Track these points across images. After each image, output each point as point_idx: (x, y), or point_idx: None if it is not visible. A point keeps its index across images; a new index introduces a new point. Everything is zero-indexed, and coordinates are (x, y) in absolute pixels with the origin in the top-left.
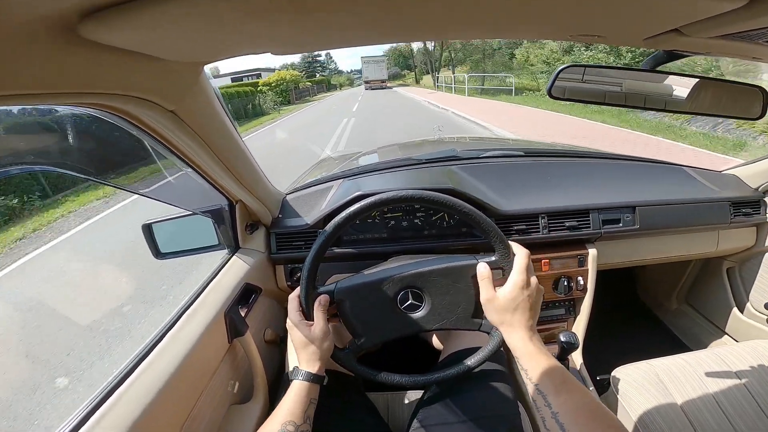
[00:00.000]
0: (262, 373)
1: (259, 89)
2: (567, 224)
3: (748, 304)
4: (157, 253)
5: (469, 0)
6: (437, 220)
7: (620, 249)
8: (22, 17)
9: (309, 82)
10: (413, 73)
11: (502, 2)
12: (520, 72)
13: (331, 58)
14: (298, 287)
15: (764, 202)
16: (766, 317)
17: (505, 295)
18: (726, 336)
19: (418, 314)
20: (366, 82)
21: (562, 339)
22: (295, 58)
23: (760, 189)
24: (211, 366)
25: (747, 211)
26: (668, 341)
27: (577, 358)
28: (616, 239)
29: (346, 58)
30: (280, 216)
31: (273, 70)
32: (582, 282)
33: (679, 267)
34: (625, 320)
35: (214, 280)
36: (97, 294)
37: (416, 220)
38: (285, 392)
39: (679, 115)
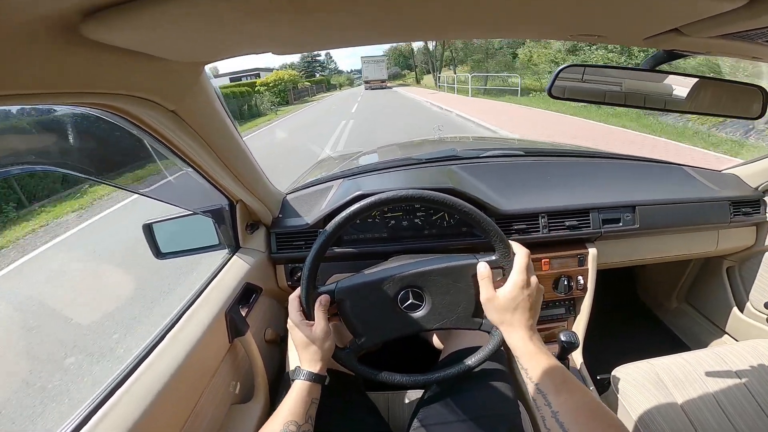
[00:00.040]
0: (263, 373)
1: (256, 89)
2: (567, 224)
3: (748, 304)
4: (158, 253)
5: (470, 1)
6: (437, 219)
7: (620, 248)
8: (23, 17)
9: (308, 82)
10: (414, 72)
11: (502, 2)
12: (524, 72)
13: (330, 57)
14: (299, 287)
15: (764, 201)
16: (766, 316)
17: (505, 295)
18: (726, 335)
19: (418, 314)
20: (366, 82)
21: (563, 338)
22: (295, 58)
23: (759, 188)
24: (212, 366)
25: (747, 210)
26: (668, 341)
27: (577, 357)
28: (616, 239)
29: (346, 58)
30: (280, 216)
31: (272, 70)
32: (582, 281)
33: (679, 266)
34: (625, 320)
35: (215, 279)
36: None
37: (416, 220)
38: (286, 392)
39: (705, 119)
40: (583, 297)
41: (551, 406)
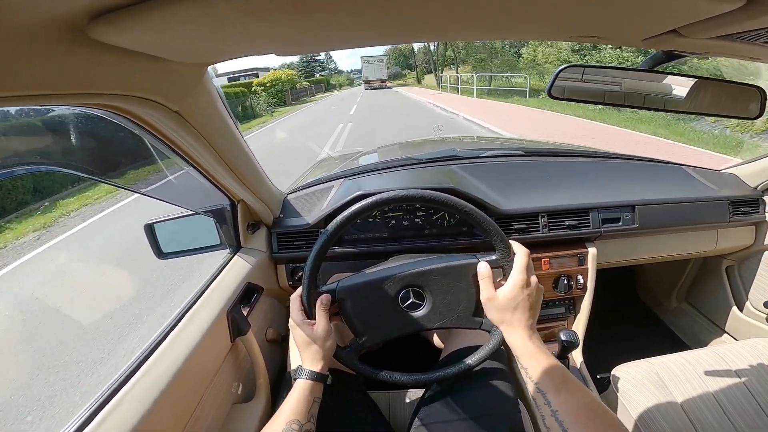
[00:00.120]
0: (265, 373)
1: (253, 90)
2: (567, 223)
3: (748, 303)
4: (159, 253)
5: (469, 0)
6: (438, 219)
7: (620, 248)
8: (32, 19)
9: (307, 82)
10: (414, 72)
11: (502, 3)
12: (528, 71)
13: (330, 57)
14: (301, 287)
15: (763, 200)
16: (765, 316)
17: (505, 294)
18: (725, 334)
19: (419, 313)
20: (366, 82)
21: (563, 337)
22: (294, 58)
23: (758, 188)
24: (213, 365)
25: (746, 209)
26: (668, 340)
27: (577, 356)
28: (616, 238)
29: (346, 58)
30: (281, 216)
31: (270, 70)
32: (582, 281)
33: (679, 266)
34: (624, 319)
35: (217, 279)
36: None
37: (417, 220)
38: (287, 391)
39: (744, 126)
40: (583, 296)
41: (551, 405)
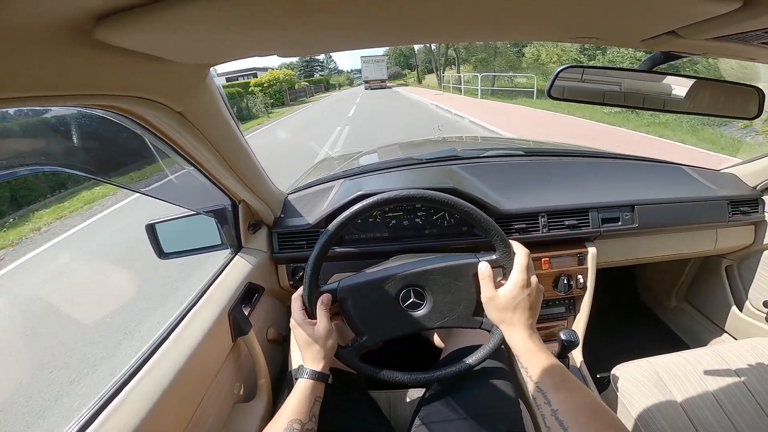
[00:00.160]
0: (266, 372)
1: (250, 90)
2: (566, 223)
3: (747, 302)
4: (161, 253)
5: (469, 2)
6: (438, 219)
7: (619, 247)
8: (40, 21)
9: (306, 81)
10: (415, 72)
11: (502, 4)
12: (532, 71)
13: (330, 57)
14: (302, 287)
15: (762, 200)
16: (764, 315)
17: (505, 294)
18: (725, 334)
19: (419, 312)
20: (366, 82)
21: (563, 337)
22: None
23: (758, 187)
24: (215, 365)
25: (745, 209)
26: (668, 339)
27: (577, 356)
28: (616, 238)
29: (346, 58)
30: (282, 216)
31: (268, 70)
32: (582, 280)
33: (678, 265)
34: (624, 318)
35: (218, 279)
36: None
37: (417, 219)
38: (289, 391)
39: None
40: (583, 296)
41: (551, 404)
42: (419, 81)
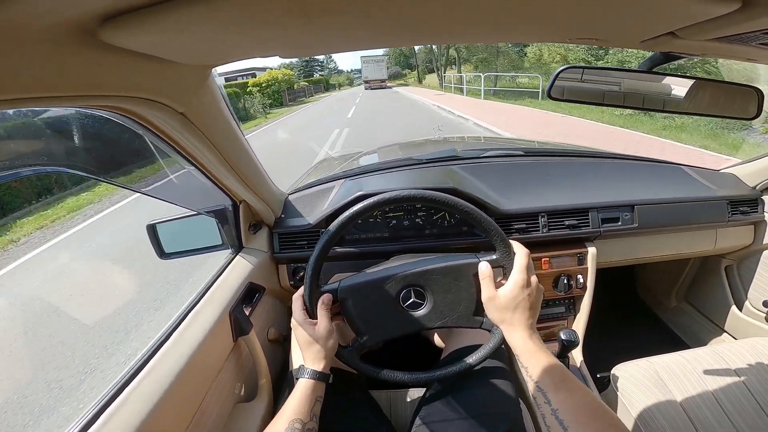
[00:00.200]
0: (267, 372)
1: (248, 90)
2: (566, 223)
3: (747, 302)
4: (162, 254)
5: (469, 2)
6: (438, 219)
7: (619, 247)
8: (45, 22)
9: (306, 81)
10: (415, 72)
11: (502, 6)
12: (539, 71)
13: (330, 57)
14: (302, 287)
15: (761, 200)
16: (764, 315)
17: (506, 294)
18: (725, 334)
19: (420, 312)
20: (365, 82)
21: (563, 337)
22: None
23: (757, 187)
24: (216, 364)
25: (744, 209)
26: (667, 339)
27: (577, 355)
28: (615, 238)
29: (346, 58)
30: (282, 216)
31: (267, 70)
32: (582, 280)
33: (678, 265)
34: (624, 318)
35: (219, 279)
36: None
37: (417, 220)
38: (289, 391)
39: None
40: (583, 296)
41: (551, 403)
42: (420, 81)
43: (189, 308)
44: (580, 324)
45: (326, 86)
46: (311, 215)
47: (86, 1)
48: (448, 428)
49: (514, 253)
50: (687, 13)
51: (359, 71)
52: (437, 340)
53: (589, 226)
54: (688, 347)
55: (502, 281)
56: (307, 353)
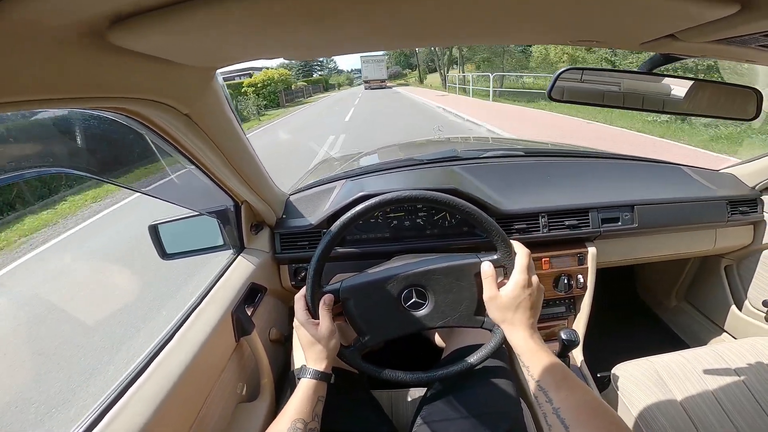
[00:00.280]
0: (269, 372)
1: (243, 91)
2: (567, 223)
3: (746, 302)
4: (164, 254)
5: (469, 4)
6: (439, 219)
7: (619, 247)
8: (54, 24)
9: (304, 81)
10: (416, 71)
11: (502, 7)
12: (540, 71)
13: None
14: (304, 287)
15: (761, 200)
16: (764, 314)
17: (507, 294)
18: (725, 333)
19: (421, 312)
20: (365, 82)
21: (563, 336)
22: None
23: (756, 187)
24: (219, 364)
25: (744, 209)
26: (667, 339)
27: (577, 355)
28: (615, 238)
29: (346, 57)
30: (284, 216)
31: (262, 69)
32: (582, 280)
33: (678, 265)
34: (624, 318)
35: (221, 279)
36: None
37: (418, 220)
38: (291, 391)
39: None
40: (583, 295)
41: (552, 402)
42: (420, 81)
43: (191, 309)
44: (580, 324)
45: (325, 86)
46: (312, 216)
47: (98, 2)
48: (449, 427)
49: (515, 253)
50: (686, 16)
51: (359, 71)
52: (438, 339)
53: (589, 226)
54: (688, 347)
55: (503, 281)
56: (309, 353)
